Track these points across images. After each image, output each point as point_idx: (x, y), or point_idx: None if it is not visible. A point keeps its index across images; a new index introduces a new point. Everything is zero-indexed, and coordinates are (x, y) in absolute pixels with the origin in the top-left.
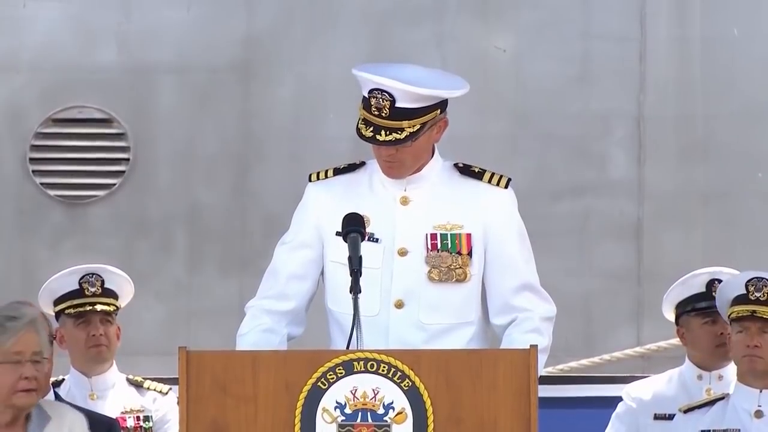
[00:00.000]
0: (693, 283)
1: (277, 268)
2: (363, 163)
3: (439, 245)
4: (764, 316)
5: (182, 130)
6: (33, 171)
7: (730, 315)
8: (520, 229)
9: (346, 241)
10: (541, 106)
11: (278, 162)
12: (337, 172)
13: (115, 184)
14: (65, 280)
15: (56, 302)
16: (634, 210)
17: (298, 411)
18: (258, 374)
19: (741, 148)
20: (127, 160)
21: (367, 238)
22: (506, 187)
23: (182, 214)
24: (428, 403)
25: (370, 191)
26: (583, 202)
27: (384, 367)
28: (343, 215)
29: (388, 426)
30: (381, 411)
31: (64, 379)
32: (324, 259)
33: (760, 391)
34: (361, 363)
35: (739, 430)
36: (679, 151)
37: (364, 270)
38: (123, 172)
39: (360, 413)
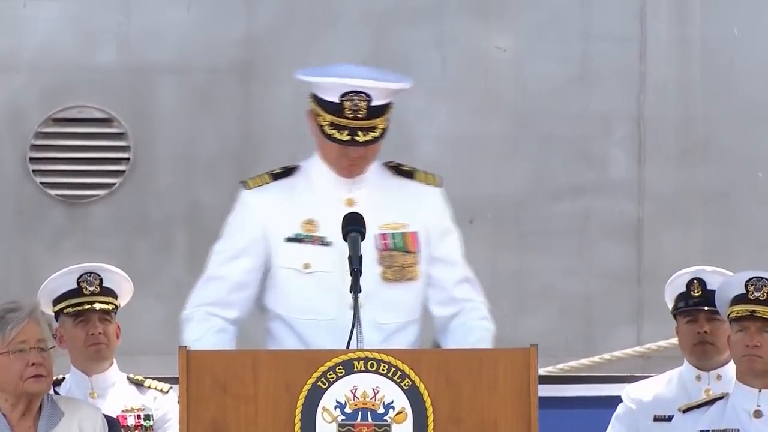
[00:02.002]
0: (677, 283)
1: (217, 276)
2: (297, 167)
3: (390, 245)
4: (764, 316)
5: (182, 130)
6: (33, 171)
7: (729, 315)
8: (453, 225)
9: (346, 241)
10: (541, 106)
11: (278, 162)
12: (275, 177)
13: (115, 184)
14: (63, 279)
15: (55, 302)
16: (634, 210)
17: (298, 410)
18: (258, 374)
19: (741, 149)
20: (128, 159)
21: (318, 242)
22: (438, 185)
23: (182, 214)
24: (428, 402)
25: (314, 194)
26: (583, 202)
27: (384, 366)
28: (343, 216)
29: (388, 425)
30: (381, 410)
31: (64, 378)
32: (272, 266)
33: (759, 391)
34: (361, 362)
35: (738, 430)
36: (679, 151)
37: (319, 275)
38: (123, 171)
39: (360, 413)
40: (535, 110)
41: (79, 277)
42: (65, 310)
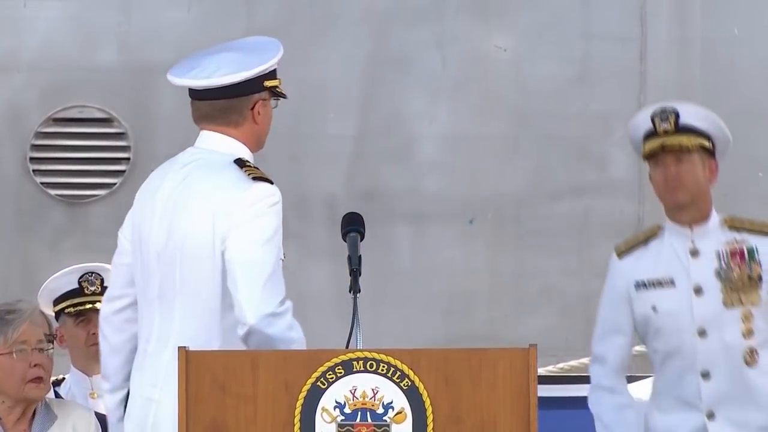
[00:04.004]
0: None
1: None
2: (246, 159)
3: None
4: (675, 148)
5: (182, 130)
6: (33, 170)
7: (643, 154)
8: None
9: (345, 241)
10: (541, 106)
11: (278, 162)
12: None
13: (115, 184)
14: (65, 279)
15: (56, 302)
16: (634, 210)
17: (297, 411)
18: (258, 374)
19: (741, 149)
20: (128, 159)
21: None
22: None
23: None
24: (428, 402)
25: None
26: (583, 202)
27: (383, 366)
28: (342, 215)
29: (388, 425)
30: (380, 410)
31: (64, 378)
32: None
33: (691, 229)
34: (361, 362)
35: (673, 279)
36: None
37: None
38: (123, 171)
39: (359, 413)
40: (535, 110)
41: (81, 277)
42: (66, 310)
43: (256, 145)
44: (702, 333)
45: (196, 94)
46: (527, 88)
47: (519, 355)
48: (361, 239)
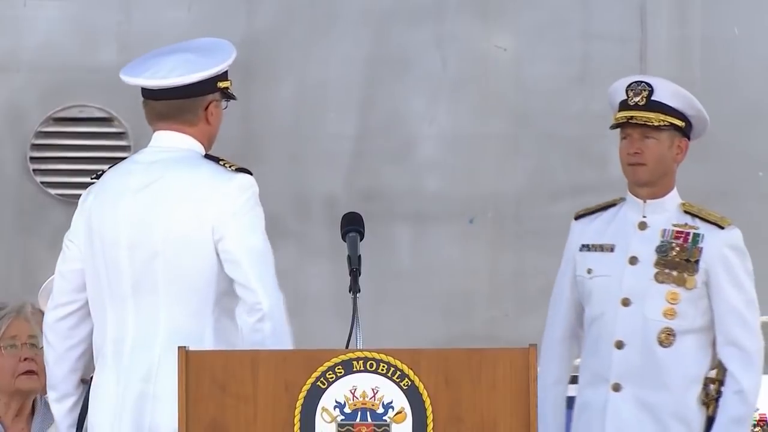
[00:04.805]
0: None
1: None
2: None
3: None
4: (640, 122)
5: None
6: (33, 170)
7: (612, 123)
8: None
9: (344, 241)
10: (541, 106)
11: (278, 162)
12: None
13: None
14: None
15: None
16: None
17: (297, 410)
18: (257, 374)
19: (741, 148)
20: None
21: None
22: None
23: None
24: (428, 402)
25: None
26: (583, 201)
27: (383, 366)
28: (342, 215)
29: (388, 425)
30: (380, 410)
31: None
32: None
33: (644, 202)
34: (361, 362)
35: (614, 245)
36: None
37: None
38: None
39: (359, 412)
40: (535, 110)
41: None
42: None
43: (208, 145)
44: (626, 302)
45: (150, 94)
46: (527, 88)
47: (519, 355)
48: (361, 239)
